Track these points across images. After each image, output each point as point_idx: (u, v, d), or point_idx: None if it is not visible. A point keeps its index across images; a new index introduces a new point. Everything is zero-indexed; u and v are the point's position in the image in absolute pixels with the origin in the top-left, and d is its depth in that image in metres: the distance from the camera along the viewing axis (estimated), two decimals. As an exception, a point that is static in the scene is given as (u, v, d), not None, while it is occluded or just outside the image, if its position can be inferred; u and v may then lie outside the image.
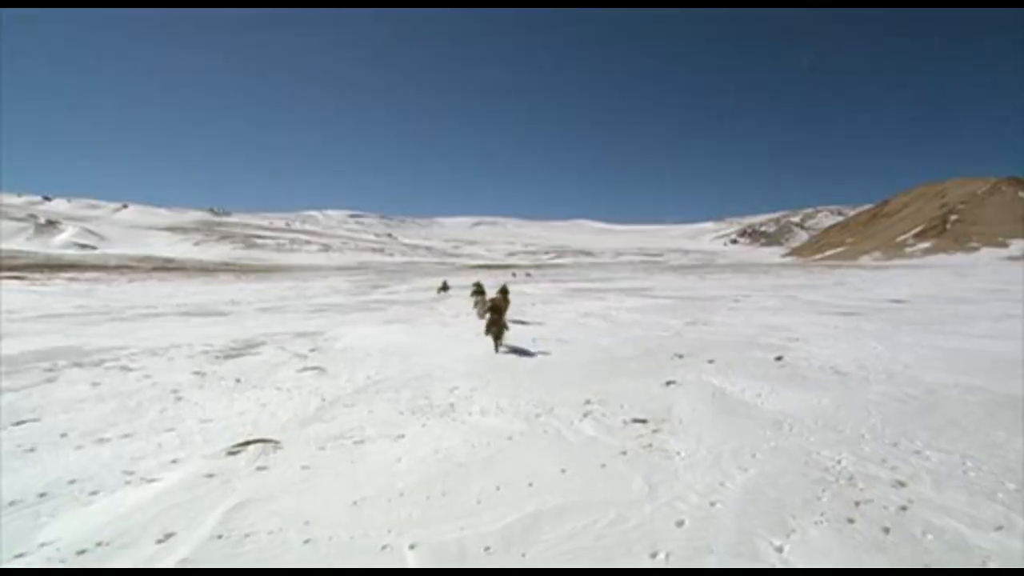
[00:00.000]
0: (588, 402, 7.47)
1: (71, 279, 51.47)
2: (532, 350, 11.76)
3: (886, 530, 3.86)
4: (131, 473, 5.06)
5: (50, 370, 10.13)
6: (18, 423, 6.70)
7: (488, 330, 11.98)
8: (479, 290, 19.54)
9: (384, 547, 3.70)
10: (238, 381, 9.16)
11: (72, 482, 4.86)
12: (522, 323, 16.35)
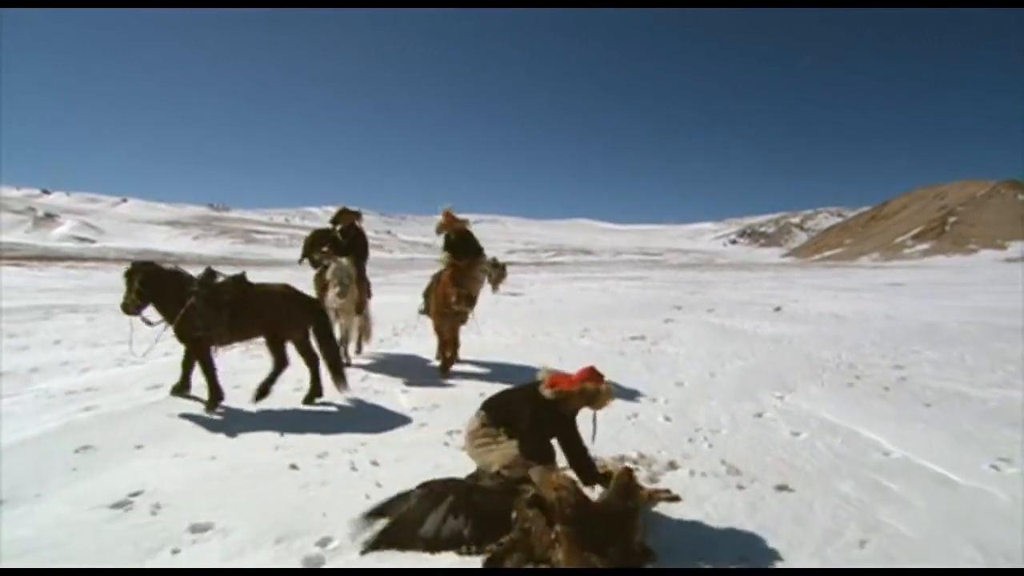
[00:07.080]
0: (586, 329, 7.44)
1: (69, 267, 51.28)
2: (530, 307, 11.71)
3: (886, 388, 3.84)
4: (123, 361, 5.02)
5: (46, 313, 10.05)
6: (11, 336, 6.64)
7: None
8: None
9: (376, 392, 3.68)
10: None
11: (64, 363, 4.83)
12: (519, 295, 16.28)
